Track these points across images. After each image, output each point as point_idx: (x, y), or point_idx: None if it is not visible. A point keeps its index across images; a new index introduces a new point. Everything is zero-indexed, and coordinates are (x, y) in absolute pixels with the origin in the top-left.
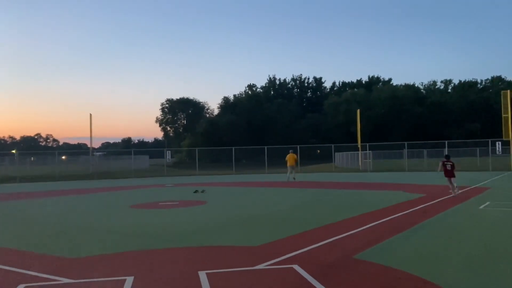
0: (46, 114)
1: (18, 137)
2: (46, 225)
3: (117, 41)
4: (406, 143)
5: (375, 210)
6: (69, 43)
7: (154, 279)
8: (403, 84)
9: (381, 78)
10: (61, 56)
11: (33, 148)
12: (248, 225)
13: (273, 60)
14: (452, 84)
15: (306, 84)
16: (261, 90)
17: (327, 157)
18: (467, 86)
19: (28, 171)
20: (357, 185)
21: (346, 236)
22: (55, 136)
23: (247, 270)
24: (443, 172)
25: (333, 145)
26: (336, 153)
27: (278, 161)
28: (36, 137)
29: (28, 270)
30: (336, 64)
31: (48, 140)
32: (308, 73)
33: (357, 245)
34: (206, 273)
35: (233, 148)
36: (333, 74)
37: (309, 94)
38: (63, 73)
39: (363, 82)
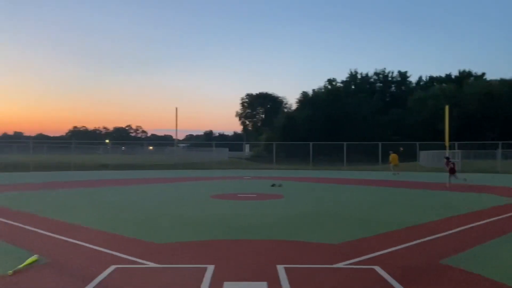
0: (136, 106)
1: (111, 128)
2: (134, 211)
3: (201, 37)
4: (500, 142)
5: (464, 214)
6: (159, 41)
7: (234, 269)
8: (498, 79)
9: (473, 72)
10: (152, 53)
11: (124, 138)
12: (326, 222)
13: (355, 54)
14: None
15: (389, 79)
16: (341, 85)
17: (410, 155)
18: None
19: (119, 159)
20: (443, 186)
21: (431, 239)
22: (144, 128)
23: (326, 267)
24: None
25: (417, 143)
26: (420, 152)
27: (357, 158)
28: (127, 128)
29: (118, 252)
30: (423, 57)
31: (138, 131)
32: (392, 67)
33: (444, 249)
34: (285, 267)
35: (311, 143)
36: (419, 68)
37: (392, 88)
38: (153, 68)
39: (453, 76)
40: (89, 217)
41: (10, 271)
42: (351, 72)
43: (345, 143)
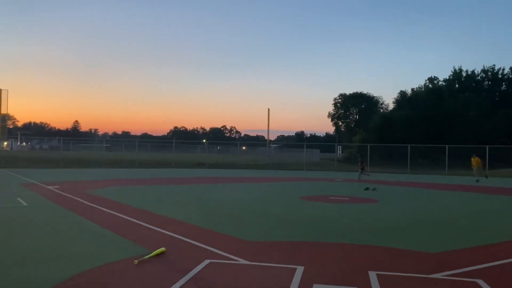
0: (231, 108)
1: (207, 128)
2: (228, 208)
3: (294, 39)
4: None
5: None
6: (253, 44)
7: (324, 272)
8: None
9: None
10: (246, 56)
11: (219, 138)
12: (424, 229)
13: (459, 50)
14: None
15: (499, 76)
16: (444, 83)
17: None
18: None
19: (215, 158)
20: None
21: None
22: (238, 128)
23: (422, 277)
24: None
25: None
26: None
27: (461, 162)
28: (222, 128)
29: (212, 247)
30: None
31: (232, 132)
32: (503, 63)
33: None
34: (377, 274)
35: (409, 145)
36: None
37: (503, 87)
38: (247, 71)
39: None
40: (186, 212)
41: (136, 261)
42: (455, 70)
43: (447, 146)
